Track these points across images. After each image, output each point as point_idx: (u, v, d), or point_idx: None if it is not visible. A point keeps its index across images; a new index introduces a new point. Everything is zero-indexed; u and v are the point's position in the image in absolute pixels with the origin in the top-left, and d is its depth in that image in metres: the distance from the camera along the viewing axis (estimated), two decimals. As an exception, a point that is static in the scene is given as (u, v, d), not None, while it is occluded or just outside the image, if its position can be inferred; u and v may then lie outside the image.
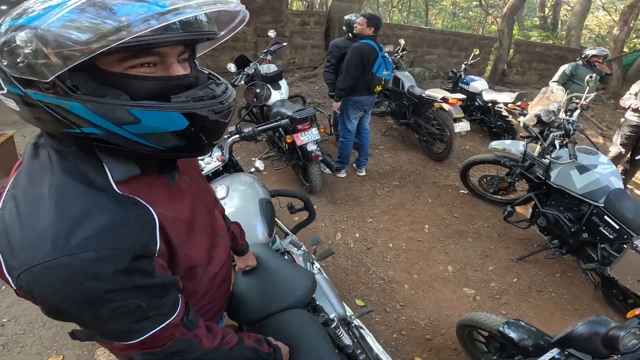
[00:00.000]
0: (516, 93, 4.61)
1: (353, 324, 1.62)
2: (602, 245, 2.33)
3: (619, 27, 8.17)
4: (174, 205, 0.67)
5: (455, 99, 3.74)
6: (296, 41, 6.79)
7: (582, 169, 2.40)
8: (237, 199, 1.67)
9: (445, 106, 3.83)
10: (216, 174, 1.91)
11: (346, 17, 3.67)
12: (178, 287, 0.66)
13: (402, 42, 5.01)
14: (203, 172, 1.78)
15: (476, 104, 4.93)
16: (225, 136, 1.80)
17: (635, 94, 3.54)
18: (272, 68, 3.80)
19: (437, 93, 3.92)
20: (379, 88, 3.30)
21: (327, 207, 3.25)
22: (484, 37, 9.04)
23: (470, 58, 5.29)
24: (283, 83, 3.86)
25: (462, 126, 3.76)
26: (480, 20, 15.75)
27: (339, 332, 1.38)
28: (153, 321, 0.60)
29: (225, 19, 0.62)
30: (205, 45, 0.66)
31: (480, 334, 1.77)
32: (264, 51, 4.11)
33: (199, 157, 1.84)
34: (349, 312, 1.68)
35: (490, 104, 4.76)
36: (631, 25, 8.32)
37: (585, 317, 1.17)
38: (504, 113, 4.66)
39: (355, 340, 1.60)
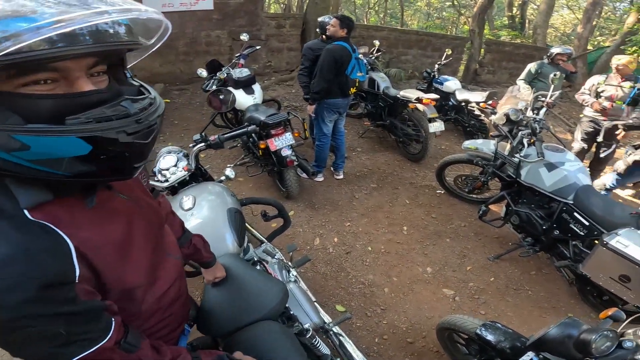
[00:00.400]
0: (487, 92, 4.70)
1: (332, 332, 1.60)
2: (574, 242, 2.36)
3: (583, 25, 8.50)
4: (102, 228, 0.63)
5: (429, 99, 3.77)
6: (272, 44, 6.71)
7: (551, 167, 2.43)
8: (205, 209, 1.61)
9: (420, 106, 3.85)
10: (184, 184, 1.83)
11: (319, 19, 3.64)
12: (111, 310, 0.64)
13: (377, 43, 5.03)
14: (167, 183, 1.70)
15: (450, 103, 5.00)
16: (191, 145, 1.73)
17: (589, 90, 3.67)
18: (245, 72, 3.73)
19: (411, 93, 3.94)
20: (353, 90, 3.28)
21: (305, 212, 3.20)
22: (457, 37, 9.24)
23: (443, 58, 5.35)
24: (257, 87, 3.78)
25: (437, 126, 3.79)
26: (454, 20, 16.10)
27: (315, 341, 1.36)
28: (80, 345, 0.58)
29: (153, 27, 0.56)
30: (136, 55, 0.59)
31: (460, 337, 1.76)
32: (237, 55, 4.03)
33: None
34: (327, 319, 1.65)
35: (463, 104, 4.84)
36: (594, 23, 8.67)
37: (561, 317, 1.16)
38: (477, 112, 4.74)
39: (335, 348, 1.57)
